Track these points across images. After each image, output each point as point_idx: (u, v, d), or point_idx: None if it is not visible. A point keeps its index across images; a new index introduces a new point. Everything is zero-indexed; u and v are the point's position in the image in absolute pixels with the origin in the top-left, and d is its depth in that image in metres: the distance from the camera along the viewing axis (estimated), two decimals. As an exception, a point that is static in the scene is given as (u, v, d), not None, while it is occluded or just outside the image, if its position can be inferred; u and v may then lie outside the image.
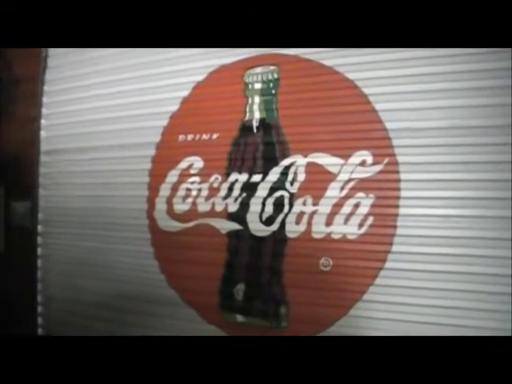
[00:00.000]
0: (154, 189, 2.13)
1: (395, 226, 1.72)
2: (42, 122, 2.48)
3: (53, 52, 2.46)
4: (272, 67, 1.93)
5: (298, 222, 1.86)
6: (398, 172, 1.72)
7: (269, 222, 1.90)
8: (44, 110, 2.48)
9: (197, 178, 2.04)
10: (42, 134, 2.48)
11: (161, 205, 2.11)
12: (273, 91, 1.92)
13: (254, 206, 1.92)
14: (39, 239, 2.49)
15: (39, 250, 2.49)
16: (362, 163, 1.76)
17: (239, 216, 1.95)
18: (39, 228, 2.49)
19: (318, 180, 1.82)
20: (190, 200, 2.05)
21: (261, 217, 1.91)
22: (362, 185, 1.76)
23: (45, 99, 2.47)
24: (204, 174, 2.03)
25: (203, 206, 2.02)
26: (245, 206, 1.94)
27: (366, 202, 1.75)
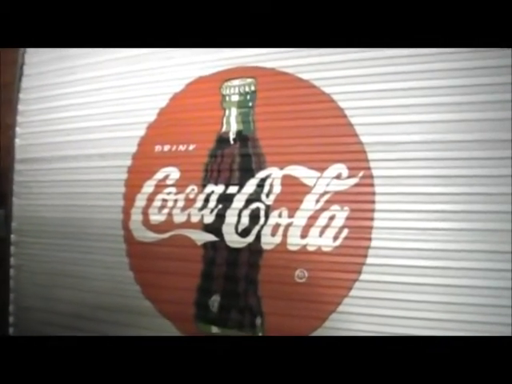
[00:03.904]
0: (129, 199, 2.12)
1: (370, 239, 1.73)
2: (17, 129, 2.44)
3: (29, 60, 2.44)
4: (249, 80, 1.94)
5: (273, 234, 1.86)
6: (373, 185, 1.74)
7: (244, 233, 1.90)
8: (19, 118, 2.44)
9: (173, 189, 2.03)
10: (17, 141, 2.45)
11: (136, 215, 2.09)
12: (250, 103, 1.94)
13: (230, 217, 1.92)
14: (12, 248, 2.44)
15: (12, 260, 2.44)
16: (338, 176, 1.78)
17: (215, 227, 1.95)
18: (12, 237, 2.44)
19: (294, 192, 1.83)
20: (165, 211, 2.04)
21: (236, 228, 1.91)
22: (338, 197, 1.78)
23: (20, 107, 2.44)
24: (180, 185, 2.02)
25: (179, 217, 2.01)
26: (221, 217, 1.94)
27: (341, 214, 1.77)
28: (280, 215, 1.85)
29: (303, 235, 1.82)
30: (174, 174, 2.03)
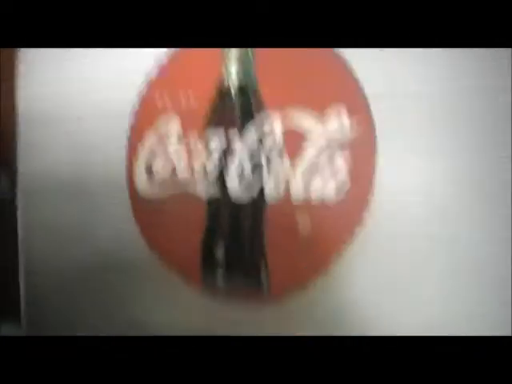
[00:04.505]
0: (132, 154, 2.10)
1: (372, 192, 1.75)
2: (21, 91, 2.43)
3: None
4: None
5: (277, 187, 1.87)
6: (375, 136, 1.74)
7: (248, 186, 1.90)
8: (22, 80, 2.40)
9: (175, 142, 2.01)
10: (22, 104, 2.43)
11: (140, 170, 2.08)
12: (250, 55, 1.89)
13: (233, 170, 1.91)
14: (18, 210, 2.44)
15: (19, 221, 2.46)
16: (341, 125, 1.77)
17: (218, 181, 1.94)
18: (19, 198, 2.44)
19: (296, 142, 1.82)
20: (168, 165, 2.03)
21: (240, 181, 1.91)
22: (341, 146, 1.77)
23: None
24: (183, 139, 2.01)
25: (182, 172, 2.00)
26: (223, 170, 1.92)
27: (343, 164, 1.77)
28: (283, 166, 1.85)
29: (306, 187, 1.82)
30: (176, 127, 2.02)
